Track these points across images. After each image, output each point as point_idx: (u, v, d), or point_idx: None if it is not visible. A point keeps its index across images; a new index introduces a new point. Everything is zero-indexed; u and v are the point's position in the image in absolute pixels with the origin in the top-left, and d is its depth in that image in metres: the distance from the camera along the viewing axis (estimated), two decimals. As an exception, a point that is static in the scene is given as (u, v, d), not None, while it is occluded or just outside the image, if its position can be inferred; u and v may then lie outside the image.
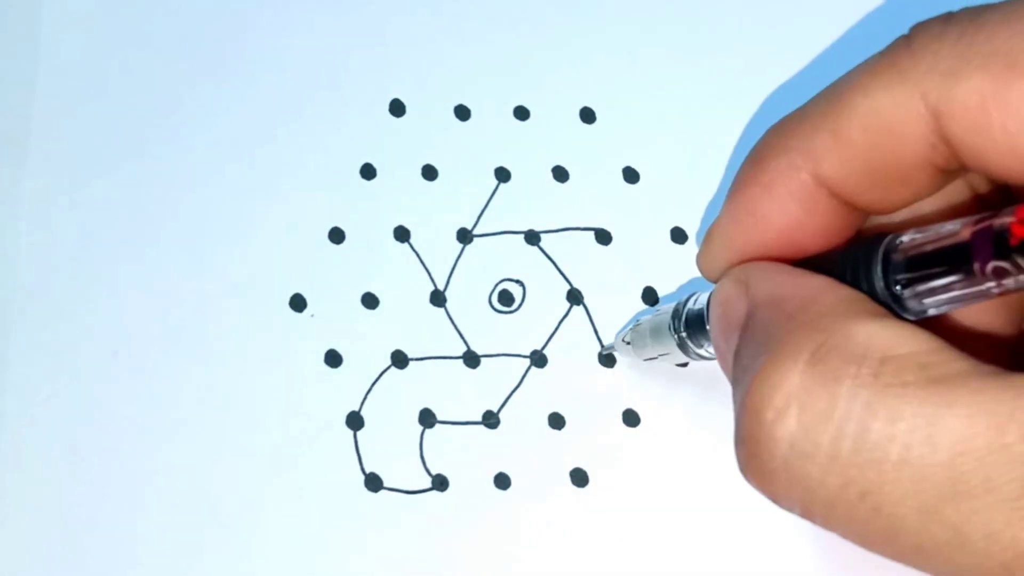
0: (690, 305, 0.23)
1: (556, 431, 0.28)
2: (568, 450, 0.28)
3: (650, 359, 0.26)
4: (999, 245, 0.15)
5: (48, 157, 0.30)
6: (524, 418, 0.28)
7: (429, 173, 0.30)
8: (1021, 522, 0.14)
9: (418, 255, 0.29)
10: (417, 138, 0.30)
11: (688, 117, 0.30)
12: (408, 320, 0.29)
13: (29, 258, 0.29)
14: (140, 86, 0.31)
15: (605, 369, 0.28)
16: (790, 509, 0.17)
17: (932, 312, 0.17)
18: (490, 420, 0.28)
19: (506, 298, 0.29)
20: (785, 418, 0.16)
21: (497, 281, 0.29)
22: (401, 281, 0.29)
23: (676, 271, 0.29)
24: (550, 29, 0.31)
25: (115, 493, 0.27)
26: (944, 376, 0.15)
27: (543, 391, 0.28)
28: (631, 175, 0.30)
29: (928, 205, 0.20)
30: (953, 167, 0.18)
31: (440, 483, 0.28)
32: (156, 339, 0.28)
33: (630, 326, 0.27)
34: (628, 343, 0.27)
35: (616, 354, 0.28)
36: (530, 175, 0.30)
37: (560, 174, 0.30)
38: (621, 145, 0.30)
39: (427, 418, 0.28)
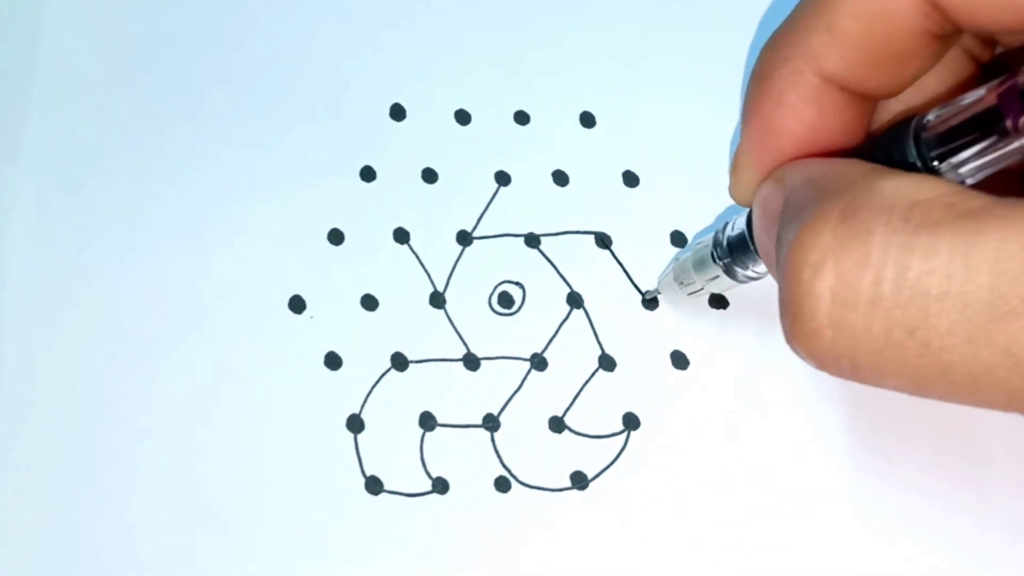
0: (729, 231, 0.24)
1: (556, 434, 0.28)
2: (568, 453, 0.28)
3: (695, 292, 0.27)
4: None
5: (45, 157, 0.30)
6: (524, 421, 0.28)
7: (429, 176, 0.30)
8: None
9: (418, 257, 0.29)
10: (417, 142, 0.30)
11: (687, 121, 0.30)
12: (408, 322, 0.29)
13: (26, 258, 0.29)
14: (140, 88, 0.30)
15: (605, 372, 0.28)
16: (838, 371, 0.17)
17: (969, 181, 0.18)
18: (490, 423, 0.28)
19: (506, 300, 0.29)
20: (822, 273, 0.16)
21: (497, 283, 0.29)
22: (401, 283, 0.29)
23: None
24: (550, 34, 0.31)
25: (115, 494, 0.27)
26: (971, 210, 0.16)
27: (543, 394, 0.28)
28: (631, 179, 0.30)
29: (936, 84, 0.21)
30: (948, 31, 0.19)
31: (440, 486, 0.27)
32: (155, 340, 0.28)
33: (671, 266, 0.27)
34: (674, 280, 0.27)
35: (660, 296, 0.29)
36: (530, 179, 0.30)
37: (560, 178, 0.30)
38: (621, 149, 0.30)
39: (427, 421, 0.28)
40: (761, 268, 0.24)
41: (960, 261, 0.15)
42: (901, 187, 0.17)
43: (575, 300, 0.29)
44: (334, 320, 0.29)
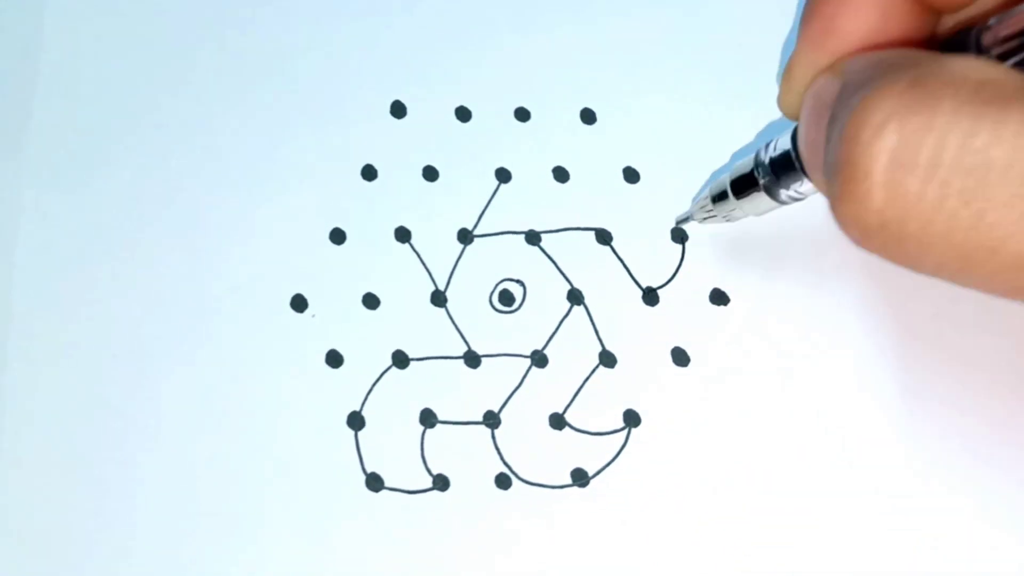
0: (771, 152, 0.23)
1: (556, 431, 0.28)
2: (569, 450, 0.28)
3: (730, 213, 0.26)
4: None
5: (47, 157, 0.30)
6: (525, 418, 0.28)
7: (430, 174, 0.30)
8: None
9: (419, 255, 0.29)
10: (418, 139, 0.30)
11: (688, 117, 0.30)
12: (409, 320, 0.29)
13: (28, 258, 0.29)
14: (140, 87, 0.31)
15: (606, 369, 0.28)
16: (883, 241, 0.16)
17: None
18: (491, 420, 0.28)
19: (507, 298, 0.29)
20: (884, 132, 0.16)
21: (498, 281, 0.29)
22: (402, 281, 0.29)
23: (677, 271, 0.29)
24: (551, 31, 0.31)
25: (115, 493, 0.27)
26: None
27: (544, 391, 0.28)
28: (631, 175, 0.30)
29: (999, 1, 0.20)
30: None
31: (441, 483, 0.27)
32: (156, 339, 0.28)
33: (707, 186, 0.27)
34: (710, 200, 0.27)
35: (694, 220, 0.28)
36: (531, 176, 0.30)
37: (561, 175, 0.30)
38: (621, 146, 0.30)
39: (428, 418, 0.28)
40: (804, 187, 0.23)
41: None
42: (971, 66, 0.16)
43: (576, 297, 0.29)
44: (336, 318, 0.29)
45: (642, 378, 0.28)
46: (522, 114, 0.31)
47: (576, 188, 0.30)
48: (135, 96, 0.31)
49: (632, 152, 0.30)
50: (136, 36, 0.31)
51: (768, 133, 0.29)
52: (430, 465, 0.28)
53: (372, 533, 0.27)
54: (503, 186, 0.30)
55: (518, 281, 0.29)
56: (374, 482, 0.27)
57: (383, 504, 0.27)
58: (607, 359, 0.28)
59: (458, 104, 0.31)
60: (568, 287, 0.29)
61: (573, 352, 0.29)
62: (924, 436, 0.27)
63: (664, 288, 0.29)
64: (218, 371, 0.28)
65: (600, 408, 0.28)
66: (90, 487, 0.27)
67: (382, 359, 0.29)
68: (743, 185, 0.25)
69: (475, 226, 0.30)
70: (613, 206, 0.30)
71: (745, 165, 0.25)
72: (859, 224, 0.16)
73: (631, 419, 0.28)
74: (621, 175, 0.30)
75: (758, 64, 0.31)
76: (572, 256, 0.29)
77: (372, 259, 0.29)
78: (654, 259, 0.29)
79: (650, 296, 0.29)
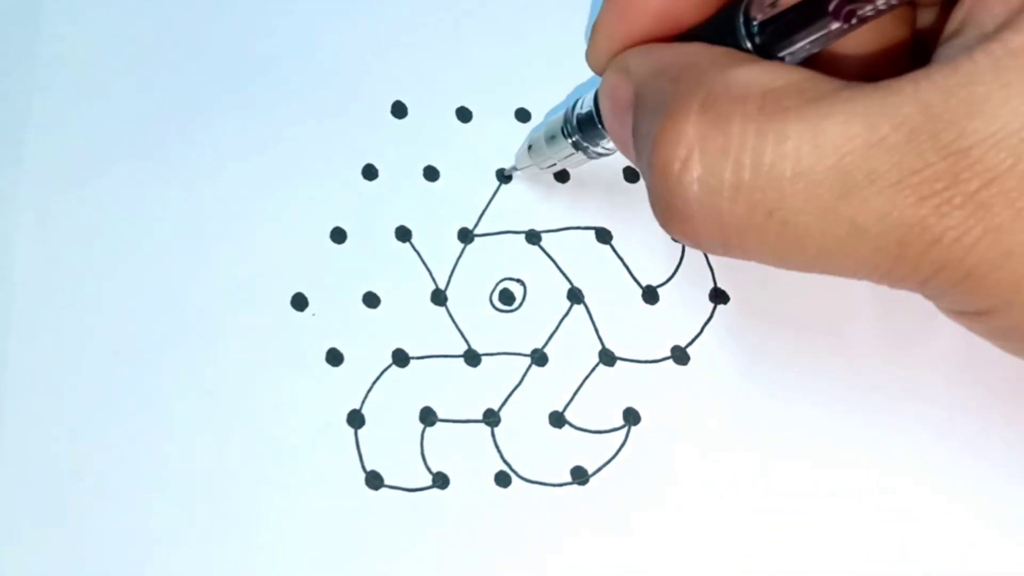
0: (578, 109, 0.25)
1: (556, 429, 0.28)
2: (568, 448, 0.28)
3: (549, 168, 0.28)
4: None
5: (47, 156, 0.30)
6: (525, 416, 0.28)
7: (431, 174, 0.30)
8: (904, 201, 0.16)
9: (419, 254, 0.30)
10: (419, 139, 0.31)
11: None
12: (409, 319, 0.29)
13: (28, 258, 0.29)
14: (141, 86, 0.31)
15: (606, 367, 0.28)
16: (711, 250, 0.19)
17: (789, 60, 0.19)
18: (491, 418, 0.28)
19: (507, 297, 0.29)
20: (689, 164, 0.17)
21: (498, 280, 0.29)
22: (402, 280, 0.29)
23: (676, 269, 0.29)
24: (551, 32, 0.31)
25: (115, 493, 0.27)
26: (819, 95, 0.17)
27: (544, 389, 0.28)
28: (631, 175, 0.30)
29: None
30: None
31: (441, 481, 0.28)
32: (157, 338, 0.29)
33: (526, 141, 0.28)
34: (528, 155, 0.28)
35: (517, 173, 0.30)
36: (531, 175, 0.30)
37: (560, 174, 0.30)
38: (621, 145, 0.30)
39: (428, 416, 0.28)
40: (610, 145, 0.25)
41: (809, 144, 0.16)
42: (754, 76, 0.17)
43: (576, 296, 0.29)
44: (336, 317, 0.29)
45: (642, 376, 0.28)
46: (523, 115, 0.31)
47: (576, 187, 0.30)
48: (134, 96, 0.31)
49: (632, 152, 0.30)
50: (135, 36, 0.31)
51: (581, 89, 0.30)
52: (430, 463, 0.28)
53: (372, 531, 0.27)
54: (503, 186, 0.30)
55: (518, 280, 0.29)
56: (374, 480, 0.27)
57: (383, 502, 0.27)
58: (607, 357, 0.28)
59: (459, 104, 0.31)
60: (568, 286, 0.29)
61: (573, 351, 0.29)
62: (926, 436, 0.27)
63: (664, 286, 0.29)
64: (218, 369, 0.28)
65: (600, 406, 0.28)
66: (90, 485, 0.27)
67: (382, 357, 0.29)
68: (555, 139, 0.26)
69: (475, 225, 0.30)
70: (613, 205, 0.30)
71: (556, 121, 0.26)
72: (687, 240, 0.19)
73: (631, 417, 0.28)
74: (621, 174, 0.30)
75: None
76: (572, 255, 0.29)
77: (373, 258, 0.29)
78: (654, 258, 0.29)
79: (650, 294, 0.29)
